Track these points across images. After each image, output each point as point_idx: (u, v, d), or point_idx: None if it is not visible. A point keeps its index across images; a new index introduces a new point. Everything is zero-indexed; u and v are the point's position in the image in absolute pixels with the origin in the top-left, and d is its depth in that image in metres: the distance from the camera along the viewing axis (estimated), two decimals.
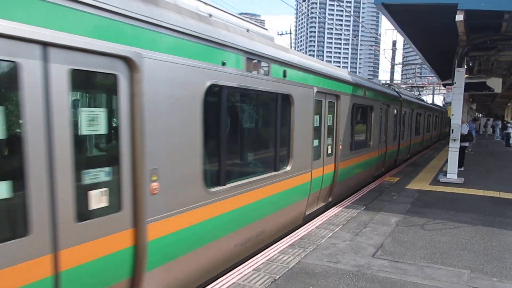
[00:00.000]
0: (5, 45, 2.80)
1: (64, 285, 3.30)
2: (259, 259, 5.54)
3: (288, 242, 6.27)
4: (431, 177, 13.07)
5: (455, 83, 11.89)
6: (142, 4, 3.91)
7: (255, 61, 5.74)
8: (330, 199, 9.11)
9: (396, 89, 19.30)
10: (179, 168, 4.42)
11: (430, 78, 51.91)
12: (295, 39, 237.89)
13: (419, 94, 38.57)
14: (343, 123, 9.50)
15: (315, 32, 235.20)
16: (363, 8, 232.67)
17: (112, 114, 3.82)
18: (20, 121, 2.95)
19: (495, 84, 14.35)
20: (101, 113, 3.70)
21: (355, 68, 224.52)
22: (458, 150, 12.14)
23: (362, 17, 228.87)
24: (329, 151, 8.87)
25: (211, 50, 4.84)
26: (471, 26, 10.38)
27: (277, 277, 4.95)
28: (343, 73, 9.82)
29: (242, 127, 6.31)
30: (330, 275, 5.08)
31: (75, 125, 3.42)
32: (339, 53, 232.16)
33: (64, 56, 3.23)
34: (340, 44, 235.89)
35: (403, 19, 10.55)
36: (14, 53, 2.86)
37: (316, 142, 8.08)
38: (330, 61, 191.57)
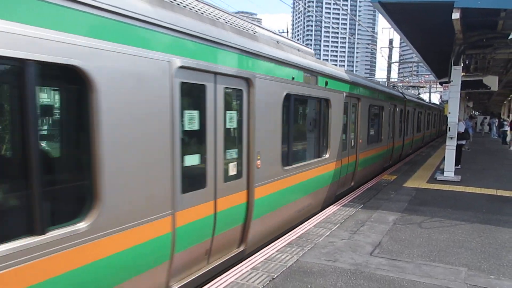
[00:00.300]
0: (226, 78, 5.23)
1: (218, 220, 5.21)
2: (257, 258, 5.54)
3: (286, 241, 6.28)
4: (428, 175, 13.11)
5: (452, 81, 11.92)
6: (255, 42, 5.94)
7: (309, 75, 7.72)
8: (352, 184, 10.99)
9: (400, 90, 21.80)
10: (270, 151, 6.30)
11: (427, 76, 52.08)
12: (292, 38, 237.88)
13: (419, 94, 39.46)
14: (363, 121, 11.44)
15: (312, 30, 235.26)
16: (359, 6, 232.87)
17: (239, 114, 5.65)
18: (206, 121, 4.95)
19: (492, 82, 14.39)
20: (234, 114, 5.56)
21: (352, 66, 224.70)
22: (455, 148, 12.18)
23: (359, 15, 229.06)
24: (352, 144, 10.70)
25: (288, 70, 6.87)
26: (467, 24, 10.40)
27: (275, 275, 4.96)
28: (363, 80, 12.28)
29: (301, 124, 8.44)
30: (328, 273, 5.09)
31: (225, 122, 5.28)
32: (336, 51, 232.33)
33: (223, 79, 5.18)
34: (337, 42, 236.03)
35: (400, 18, 10.57)
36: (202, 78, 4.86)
37: (344, 137, 9.94)
38: (327, 60, 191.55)
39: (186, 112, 4.62)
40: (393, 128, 15.80)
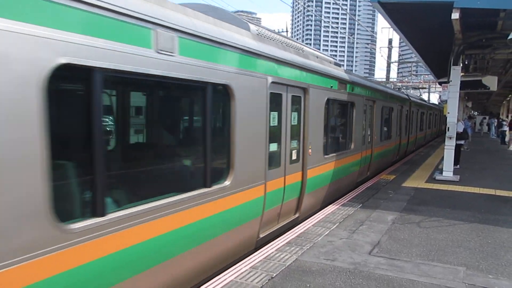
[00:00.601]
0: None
1: (285, 192, 7.02)
2: (256, 257, 5.55)
3: (285, 240, 6.28)
4: (427, 175, 13.12)
5: (451, 81, 11.94)
6: (306, 60, 7.74)
7: (341, 83, 9.57)
8: (368, 173, 12.79)
9: (405, 92, 23.63)
10: (316, 143, 8.15)
11: (426, 76, 52.07)
12: (291, 37, 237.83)
13: (421, 95, 40.10)
14: (377, 121, 13.27)
15: (311, 30, 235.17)
16: (359, 6, 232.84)
17: (298, 115, 7.51)
18: (281, 120, 6.83)
19: (491, 82, 14.40)
20: (296, 115, 7.37)
21: (351, 66, 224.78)
22: (453, 148, 12.20)
23: (358, 15, 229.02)
24: (369, 140, 12.58)
25: (329, 80, 8.73)
26: (466, 24, 10.41)
27: (274, 275, 4.96)
28: (377, 84, 14.46)
29: (334, 122, 9.91)
30: (327, 272, 5.09)
31: (291, 120, 7.14)
32: (335, 51, 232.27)
33: (291, 89, 7.05)
34: (336, 42, 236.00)
35: (399, 17, 10.57)
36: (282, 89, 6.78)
37: (363, 133, 11.87)
38: None
39: (271, 113, 6.41)
40: (400, 126, 17.56)
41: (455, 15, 8.87)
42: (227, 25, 5.42)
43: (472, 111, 52.29)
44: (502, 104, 44.23)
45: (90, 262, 3.42)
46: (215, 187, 5.07)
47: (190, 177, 5.16)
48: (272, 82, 6.29)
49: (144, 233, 3.96)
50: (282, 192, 6.91)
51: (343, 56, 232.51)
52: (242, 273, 4.99)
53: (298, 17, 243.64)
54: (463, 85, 13.22)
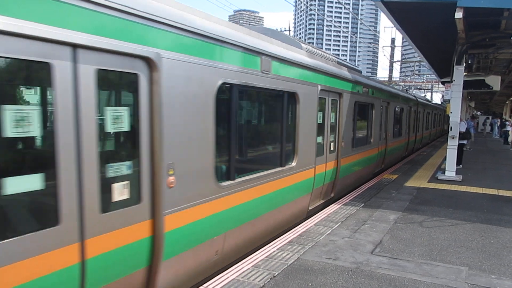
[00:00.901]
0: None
1: (326, 176, 8.70)
2: (258, 255, 5.55)
3: (287, 239, 6.28)
4: (429, 174, 13.10)
5: (454, 80, 11.90)
6: (341, 69, 9.45)
7: (365, 88, 11.29)
8: (382, 166, 14.45)
9: (413, 94, 26.05)
10: (347, 137, 9.96)
11: (429, 75, 51.93)
12: (294, 36, 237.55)
13: (425, 96, 40.58)
14: (389, 119, 14.78)
15: (313, 29, 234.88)
16: (362, 5, 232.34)
17: (335, 114, 9.24)
18: (324, 118, 8.67)
19: (494, 82, 14.36)
20: (333, 114, 9.11)
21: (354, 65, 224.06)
22: (456, 147, 12.17)
23: (361, 14, 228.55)
24: (384, 136, 14.09)
25: (357, 86, 10.45)
26: (470, 23, 10.38)
27: (276, 273, 4.97)
28: (389, 87, 15.97)
29: (359, 121, 11.14)
30: (329, 271, 5.09)
31: (330, 118, 8.84)
32: (338, 50, 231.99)
33: (331, 94, 8.80)
34: (339, 41, 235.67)
35: (402, 17, 10.56)
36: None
37: (379, 130, 13.22)
38: None
39: (318, 113, 8.16)
40: (409, 125, 19.31)
41: (459, 15, 8.84)
42: (289, 46, 7.19)
43: (475, 111, 52.16)
44: (505, 104, 44.08)
45: (230, 208, 5.38)
46: (286, 166, 6.92)
47: (274, 159, 6.79)
48: (321, 89, 8.13)
49: (252, 193, 5.86)
50: (324, 175, 8.72)
51: (346, 55, 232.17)
52: (244, 271, 5.00)
53: (301, 16, 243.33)
54: (466, 84, 13.20)
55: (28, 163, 3.19)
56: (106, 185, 3.64)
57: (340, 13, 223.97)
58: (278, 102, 6.78)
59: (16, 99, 3.04)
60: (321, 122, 8.43)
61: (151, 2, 3.95)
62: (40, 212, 3.22)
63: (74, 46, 3.24)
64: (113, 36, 3.51)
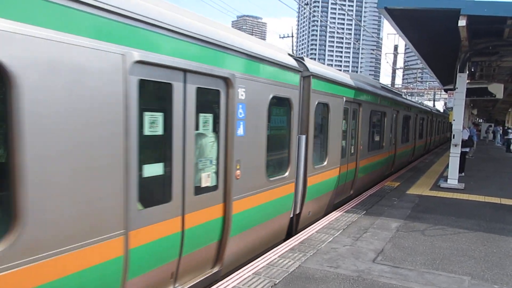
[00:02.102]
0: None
1: (347, 176, 10.07)
2: (259, 263, 5.52)
3: (288, 246, 6.25)
4: (431, 182, 13.05)
5: (457, 88, 11.88)
6: (363, 83, 11.14)
7: (381, 98, 12.83)
8: (392, 169, 15.69)
9: (424, 105, 29.56)
10: (364, 142, 11.10)
11: (431, 82, 51.93)
12: (297, 42, 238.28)
13: (434, 105, 41.89)
14: (400, 128, 16.20)
15: (316, 35, 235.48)
16: (365, 12, 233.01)
17: (355, 122, 10.51)
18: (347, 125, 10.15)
19: (497, 89, 14.35)
20: (354, 122, 10.41)
21: (356, 72, 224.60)
22: (459, 155, 12.12)
23: (364, 21, 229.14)
24: (393, 142, 15.27)
25: (374, 97, 12.03)
26: (473, 31, 10.38)
27: (277, 281, 4.93)
28: (399, 97, 17.46)
29: (374, 128, 12.72)
30: (330, 280, 5.05)
31: (351, 126, 10.21)
32: (341, 56, 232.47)
33: (353, 104, 10.14)
34: (342, 47, 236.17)
35: (406, 24, 10.55)
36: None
37: (390, 135, 14.67)
38: (331, 65, 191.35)
39: (343, 121, 9.44)
40: (422, 131, 22.69)
41: (462, 22, 8.84)
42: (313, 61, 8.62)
43: (478, 119, 52.06)
44: (507, 112, 44.00)
45: (278, 198, 6.54)
46: (321, 164, 8.30)
47: (319, 157, 8.38)
48: (346, 101, 9.34)
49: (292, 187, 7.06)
50: (346, 175, 9.89)
51: (348, 62, 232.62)
52: (245, 279, 4.96)
53: (304, 22, 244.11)
54: (469, 92, 13.17)
55: (156, 155, 4.33)
56: (198, 175, 4.77)
57: (343, 19, 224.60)
58: (316, 111, 7.85)
59: (151, 108, 4.10)
60: (344, 129, 9.70)
61: (230, 35, 5.17)
62: (160, 191, 4.33)
63: (185, 71, 4.34)
64: (206, 62, 4.61)
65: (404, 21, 10.26)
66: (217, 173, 5.04)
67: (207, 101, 4.97)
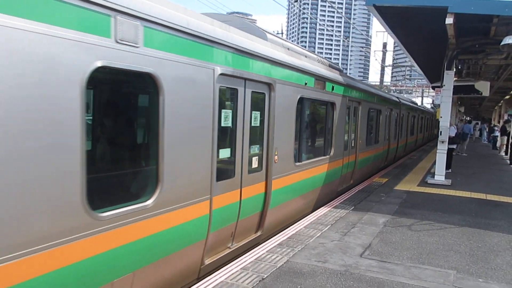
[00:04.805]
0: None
1: (348, 167, 11.11)
2: (247, 258, 5.53)
3: (277, 242, 6.27)
4: (419, 178, 13.18)
5: (444, 85, 12.01)
6: (384, 93, 16.63)
7: (396, 105, 16.59)
8: (385, 163, 17.06)
9: (421, 106, 33.05)
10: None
11: (420, 80, 52.38)
12: (287, 39, 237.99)
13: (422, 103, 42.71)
14: (405, 124, 20.28)
15: (306, 32, 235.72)
16: (354, 9, 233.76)
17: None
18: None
19: (483, 87, 14.51)
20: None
21: (346, 69, 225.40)
22: (446, 152, 12.26)
23: (354, 19, 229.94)
24: (387, 137, 16.57)
25: (388, 103, 16.22)
26: (460, 29, 10.48)
27: (265, 276, 4.95)
28: (395, 97, 19.44)
29: (375, 125, 14.39)
30: (318, 274, 5.09)
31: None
32: (330, 54, 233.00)
33: (364, 104, 12.48)
34: (331, 45, 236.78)
35: (394, 21, 10.62)
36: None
37: (388, 132, 16.76)
38: None
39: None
40: (414, 128, 24.68)
41: (449, 20, 8.93)
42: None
43: (465, 116, 52.66)
44: (494, 110, 44.56)
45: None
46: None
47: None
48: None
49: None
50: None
51: (338, 59, 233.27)
52: (233, 274, 4.97)
53: (294, 19, 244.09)
54: (456, 89, 13.31)
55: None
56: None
57: (333, 17, 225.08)
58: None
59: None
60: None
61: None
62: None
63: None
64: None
65: (393, 18, 10.33)
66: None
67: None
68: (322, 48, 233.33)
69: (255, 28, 7.11)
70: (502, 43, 9.17)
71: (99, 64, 3.38)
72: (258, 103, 6.18)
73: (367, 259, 5.67)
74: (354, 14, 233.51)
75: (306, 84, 7.74)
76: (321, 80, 8.53)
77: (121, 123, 4.87)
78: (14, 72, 2.74)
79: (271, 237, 6.56)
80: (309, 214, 8.20)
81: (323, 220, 7.64)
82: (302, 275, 5.05)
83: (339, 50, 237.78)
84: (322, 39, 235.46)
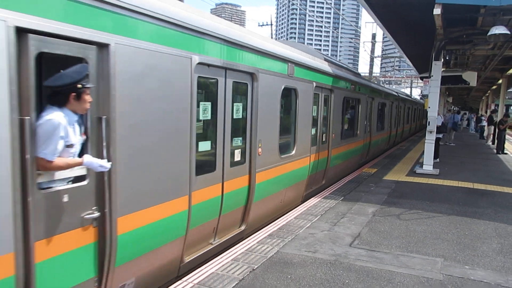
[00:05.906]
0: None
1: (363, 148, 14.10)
2: (238, 249, 5.55)
3: (267, 232, 6.31)
4: (407, 168, 13.32)
5: (432, 76, 12.10)
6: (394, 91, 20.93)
7: (402, 100, 21.78)
8: (387, 146, 19.70)
9: (413, 98, 35.33)
10: (373, 123, 15.30)
11: (409, 71, 52.66)
12: (276, 31, 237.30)
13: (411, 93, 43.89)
14: (404, 115, 23.40)
15: (296, 23, 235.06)
16: (343, 0, 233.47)
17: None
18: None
19: (471, 77, 14.65)
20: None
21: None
22: (434, 142, 12.39)
23: (343, 10, 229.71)
24: (390, 124, 19.29)
25: (392, 96, 19.53)
26: (448, 20, 10.55)
27: (256, 266, 4.98)
28: (391, 91, 21.68)
29: (377, 115, 16.26)
30: (308, 264, 5.14)
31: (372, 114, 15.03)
32: (320, 45, 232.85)
33: (377, 99, 15.95)
34: (321, 36, 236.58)
35: (383, 12, 10.66)
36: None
37: (393, 120, 19.98)
38: None
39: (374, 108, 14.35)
40: (408, 118, 26.98)
41: (437, 11, 8.97)
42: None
43: (453, 106, 53.16)
44: (481, 100, 45.03)
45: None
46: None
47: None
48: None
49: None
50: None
51: (328, 50, 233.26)
52: (223, 265, 4.99)
53: (283, 10, 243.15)
54: (444, 80, 13.43)
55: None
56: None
57: (322, 8, 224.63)
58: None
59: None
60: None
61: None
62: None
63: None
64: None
65: (381, 9, 10.37)
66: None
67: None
68: (311, 40, 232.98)
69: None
70: (489, 33, 9.26)
71: None
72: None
73: (356, 249, 5.73)
74: (343, 5, 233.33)
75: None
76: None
77: None
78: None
79: (256, 232, 6.49)
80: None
81: (313, 210, 7.69)
82: (293, 265, 5.09)
83: (328, 41, 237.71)
84: (312, 30, 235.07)
